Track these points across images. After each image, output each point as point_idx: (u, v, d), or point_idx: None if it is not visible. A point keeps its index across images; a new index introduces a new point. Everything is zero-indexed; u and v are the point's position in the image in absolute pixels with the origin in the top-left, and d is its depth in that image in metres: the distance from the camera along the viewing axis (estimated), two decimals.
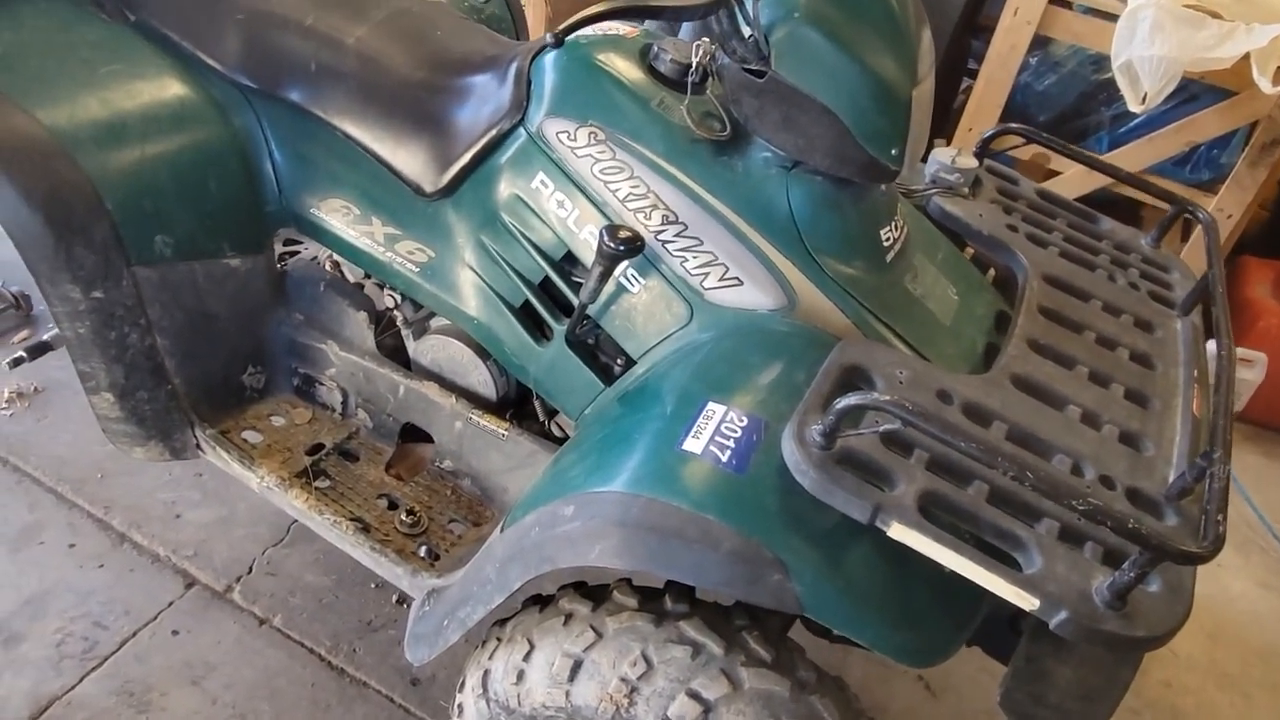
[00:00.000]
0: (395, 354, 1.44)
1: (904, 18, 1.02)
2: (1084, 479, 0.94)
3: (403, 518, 1.31)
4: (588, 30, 1.21)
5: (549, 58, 1.18)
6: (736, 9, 0.95)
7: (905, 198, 1.35)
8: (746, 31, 1.00)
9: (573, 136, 1.16)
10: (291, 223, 1.36)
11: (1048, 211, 1.42)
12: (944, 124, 2.38)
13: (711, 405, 0.96)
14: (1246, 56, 1.92)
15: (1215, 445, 0.90)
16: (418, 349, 1.40)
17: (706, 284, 1.11)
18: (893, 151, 1.03)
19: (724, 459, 0.91)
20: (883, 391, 0.95)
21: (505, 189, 1.22)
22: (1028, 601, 0.81)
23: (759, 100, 1.05)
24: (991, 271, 1.39)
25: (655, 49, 1.16)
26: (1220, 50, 1.91)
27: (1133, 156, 2.20)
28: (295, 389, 1.47)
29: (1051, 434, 0.98)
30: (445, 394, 1.35)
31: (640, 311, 1.15)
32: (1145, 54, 1.96)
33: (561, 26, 0.91)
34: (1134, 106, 2.04)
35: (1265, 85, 1.92)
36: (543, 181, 1.19)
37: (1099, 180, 2.24)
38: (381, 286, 1.43)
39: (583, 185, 1.16)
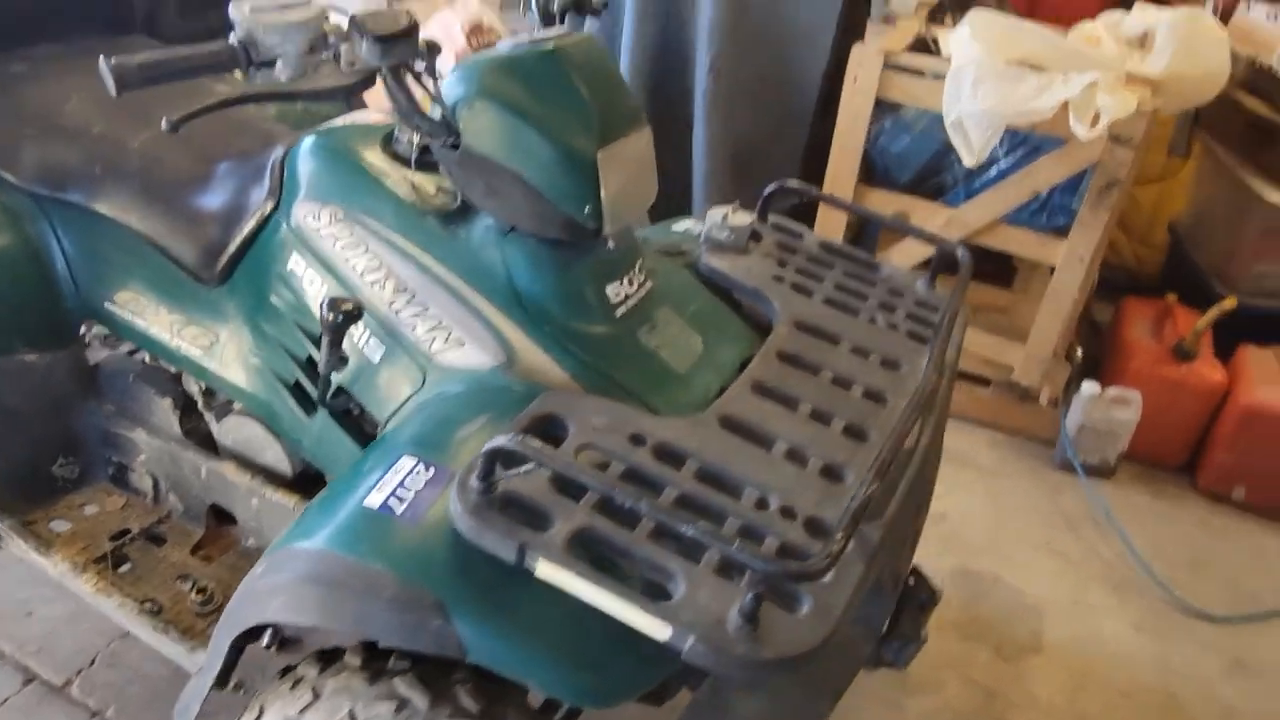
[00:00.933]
0: (209, 439, 1.48)
1: (587, 81, 1.08)
2: (767, 510, 0.96)
3: (193, 596, 1.33)
4: (339, 120, 1.30)
5: (301, 147, 1.26)
6: (398, 90, 1.02)
7: (676, 256, 1.41)
8: (436, 111, 1.07)
9: (318, 218, 1.23)
10: (92, 317, 1.43)
11: (825, 262, 1.47)
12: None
13: (404, 459, 0.99)
14: (1065, 105, 1.99)
15: (871, 469, 0.93)
16: (220, 430, 1.44)
17: (434, 347, 1.15)
18: (586, 210, 1.08)
19: (400, 510, 0.94)
20: (574, 437, 0.99)
21: (270, 272, 1.28)
22: (660, 631, 0.82)
23: (463, 172, 1.11)
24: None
25: (396, 133, 1.24)
26: (1039, 101, 1.98)
27: (985, 208, 2.26)
28: (111, 477, 1.52)
29: (745, 470, 1.00)
30: (242, 472, 1.39)
31: (383, 378, 1.19)
32: (971, 110, 2.03)
33: (179, 117, 0.97)
34: (968, 161, 2.10)
35: (1081, 131, 1.98)
36: (297, 262, 1.25)
37: (957, 230, 2.29)
38: None
39: (328, 263, 1.22)
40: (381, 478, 0.98)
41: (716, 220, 1.44)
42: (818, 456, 1.05)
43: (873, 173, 2.48)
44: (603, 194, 1.08)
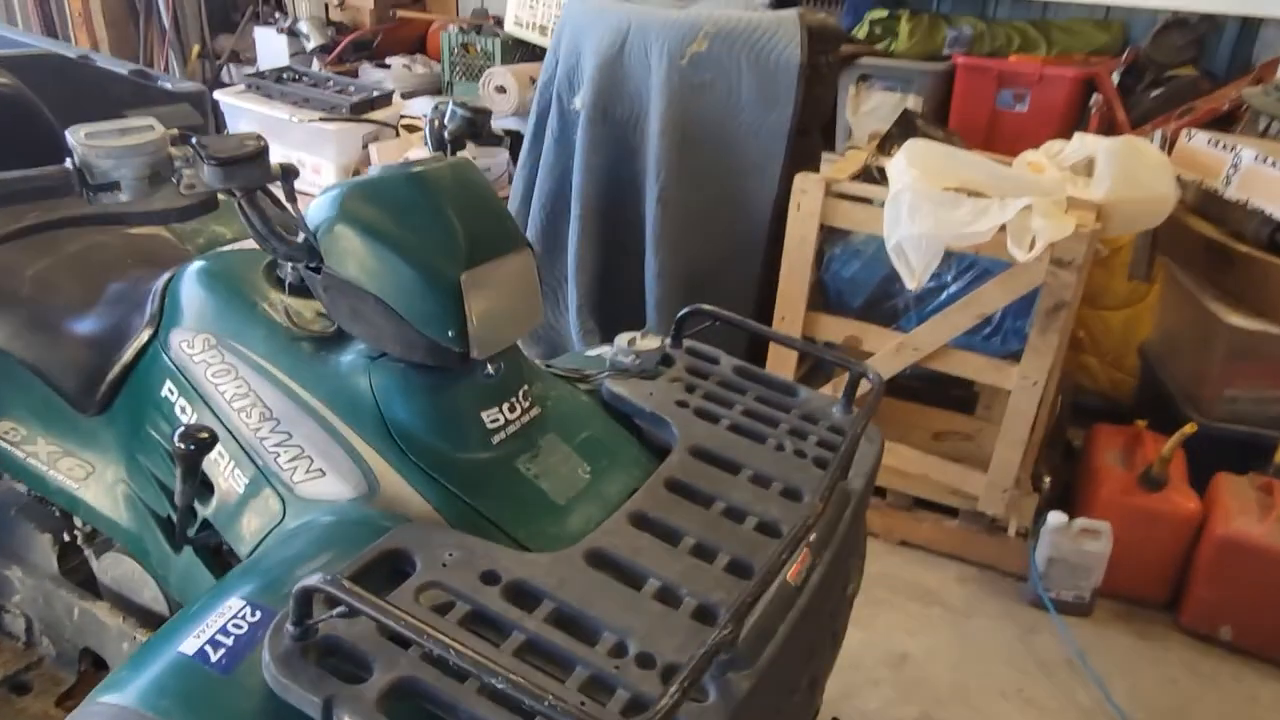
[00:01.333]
0: (91, 580, 1.40)
1: (454, 203, 1.06)
2: (624, 657, 0.87)
3: None
4: (235, 245, 1.28)
5: (184, 273, 1.23)
6: (252, 213, 0.99)
7: (578, 382, 1.36)
8: (300, 235, 1.05)
9: (191, 344, 1.19)
10: None
11: (738, 387, 1.41)
12: (765, 314, 2.43)
13: (232, 600, 0.91)
14: (1003, 229, 1.97)
15: (730, 609, 0.84)
16: (99, 568, 1.36)
17: (295, 478, 1.09)
18: (450, 334, 1.04)
19: (214, 658, 0.85)
20: (419, 574, 0.91)
21: (146, 401, 1.23)
22: None
23: (328, 296, 1.08)
24: None
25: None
26: (975, 225, 1.97)
27: (935, 332, 2.22)
28: None
29: (607, 611, 0.92)
30: (115, 613, 1.30)
31: (246, 511, 1.12)
32: (910, 234, 2.02)
33: None
34: (910, 284, 2.08)
35: (1019, 254, 1.96)
36: (170, 390, 1.20)
37: (910, 355, 2.25)
38: None
39: (199, 390, 1.17)
40: (204, 621, 0.89)
41: (622, 345, 1.39)
42: (693, 596, 0.96)
43: (826, 298, 2.47)
44: (469, 318, 1.04)
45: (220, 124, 4.25)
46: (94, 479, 1.28)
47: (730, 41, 2.35)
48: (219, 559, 1.18)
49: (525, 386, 1.18)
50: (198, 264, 1.23)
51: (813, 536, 1.07)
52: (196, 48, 5.04)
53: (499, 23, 4.14)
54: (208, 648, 0.86)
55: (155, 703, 0.82)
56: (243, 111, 3.62)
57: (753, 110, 2.39)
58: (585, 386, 1.36)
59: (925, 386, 2.62)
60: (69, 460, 1.30)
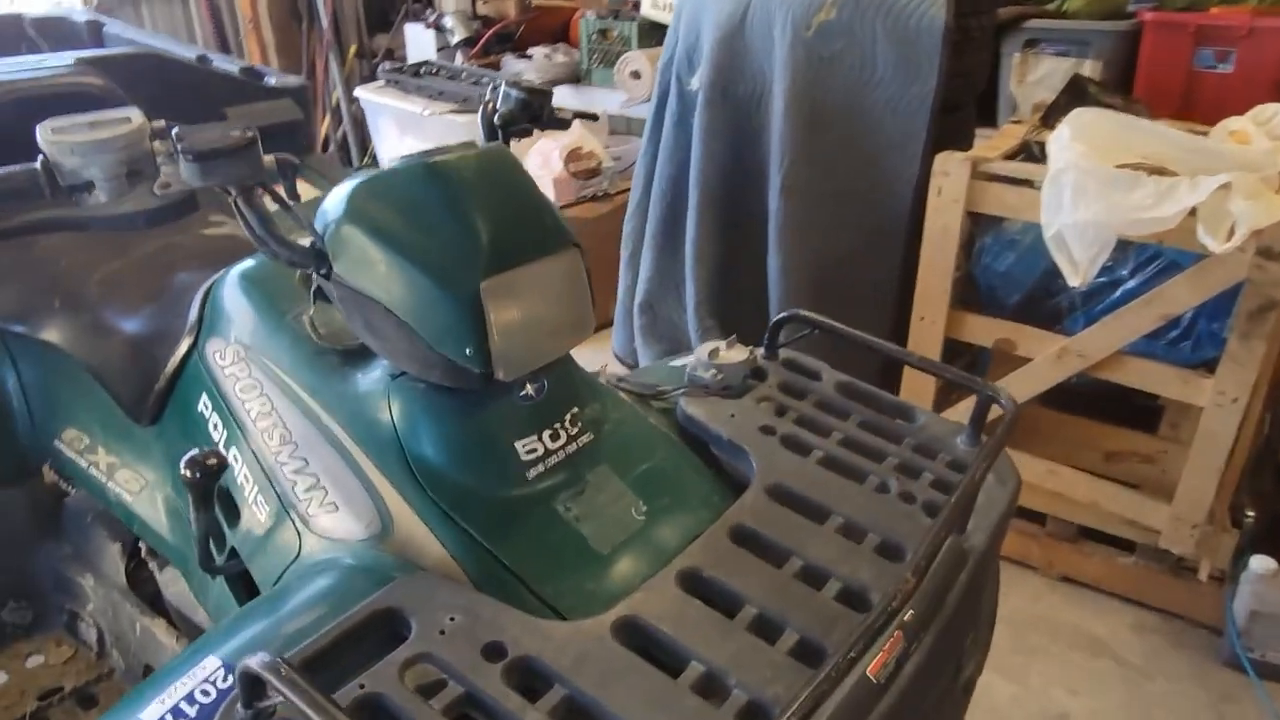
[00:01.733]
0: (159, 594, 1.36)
1: (475, 198, 0.91)
2: None
3: None
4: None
5: (225, 278, 1.15)
6: (248, 212, 0.87)
7: (652, 399, 1.18)
8: (306, 239, 0.93)
9: (223, 356, 1.11)
10: (44, 454, 1.37)
11: (840, 409, 1.19)
12: (908, 315, 2.15)
13: (207, 661, 0.80)
14: (1193, 213, 1.62)
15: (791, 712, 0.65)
16: (162, 582, 1.32)
17: (311, 510, 0.97)
18: (467, 352, 0.89)
19: None
20: (411, 644, 0.77)
21: (187, 414, 1.16)
22: None
23: (343, 305, 0.95)
24: None
25: None
26: (1158, 209, 1.63)
27: (1106, 336, 1.87)
28: (65, 625, 1.42)
29: (628, 706, 0.74)
30: (171, 633, 1.25)
31: (266, 542, 1.02)
32: (1072, 222, 1.71)
33: None
34: (1073, 281, 1.76)
35: (1214, 244, 1.60)
36: (205, 404, 1.12)
37: (1074, 363, 1.92)
38: None
39: (229, 405, 1.08)
40: (174, 683, 0.79)
41: (703, 357, 1.20)
42: (742, 689, 0.77)
43: (978, 295, 2.16)
44: (490, 333, 0.89)
45: (361, 120, 4.35)
46: (146, 492, 1.23)
47: (862, 6, 2.08)
48: (250, 589, 1.09)
49: (575, 409, 1.02)
50: (240, 268, 1.15)
51: (908, 614, 0.85)
52: (354, 47, 5.20)
53: (636, 6, 3.99)
54: (169, 716, 0.75)
55: None
56: (380, 107, 3.66)
57: (890, 83, 2.11)
58: (660, 405, 1.18)
59: (1098, 398, 2.25)
60: (126, 472, 1.26)
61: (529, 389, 0.97)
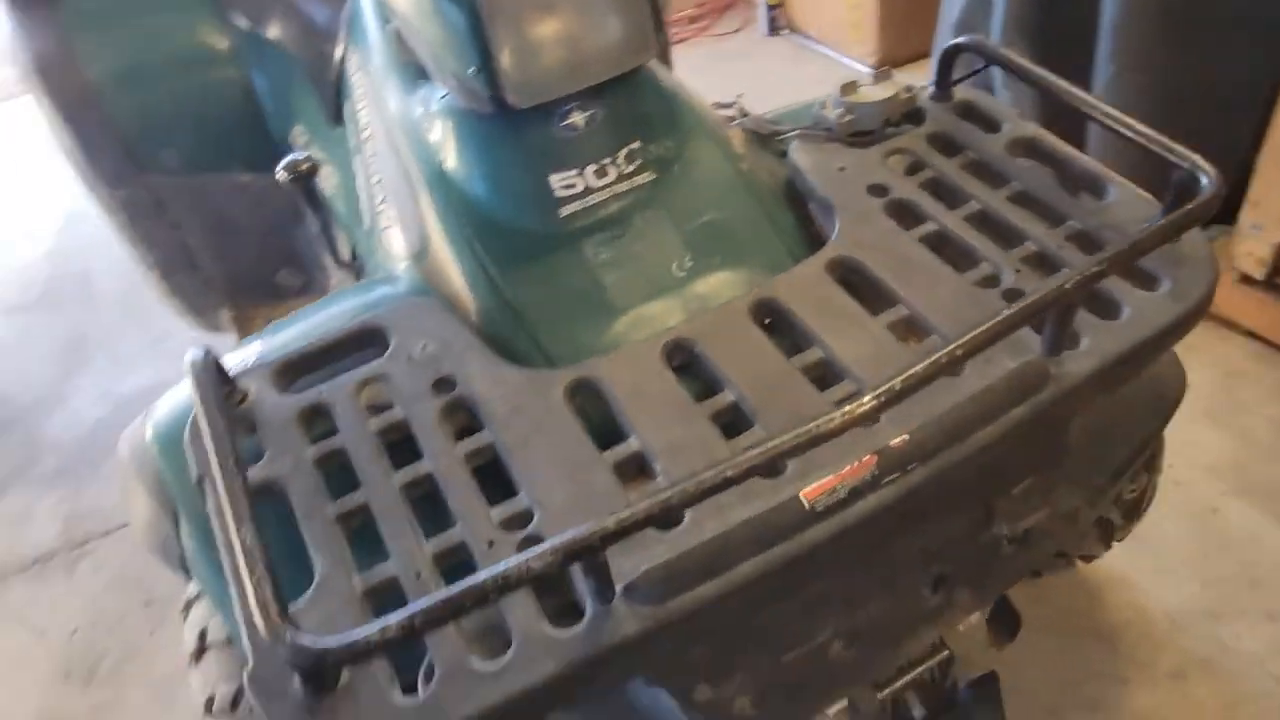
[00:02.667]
0: None
1: None
2: (513, 531, 0.68)
3: None
4: None
5: None
6: None
7: (770, 139, 1.01)
8: None
9: (356, 66, 1.15)
10: (288, 149, 1.56)
11: (1003, 174, 0.92)
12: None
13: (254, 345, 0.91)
14: None
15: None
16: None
17: (381, 222, 1.02)
18: (469, 71, 0.81)
19: None
20: (381, 363, 0.81)
21: (350, 118, 1.24)
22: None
23: (396, 18, 0.91)
24: None
25: None
26: None
27: None
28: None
29: (534, 466, 0.72)
30: None
31: (366, 248, 1.10)
32: None
33: None
34: None
35: None
36: (348, 110, 1.18)
37: None
38: None
39: (355, 113, 1.14)
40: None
41: (834, 94, 0.99)
42: (666, 475, 0.70)
43: None
44: (494, 51, 0.80)
45: None
46: (339, 192, 1.36)
47: None
48: None
49: (634, 144, 0.91)
50: None
51: (900, 438, 0.69)
52: None
53: None
54: None
55: None
56: None
57: None
58: (775, 149, 1.01)
59: None
60: (328, 168, 1.39)
61: (575, 118, 0.88)
